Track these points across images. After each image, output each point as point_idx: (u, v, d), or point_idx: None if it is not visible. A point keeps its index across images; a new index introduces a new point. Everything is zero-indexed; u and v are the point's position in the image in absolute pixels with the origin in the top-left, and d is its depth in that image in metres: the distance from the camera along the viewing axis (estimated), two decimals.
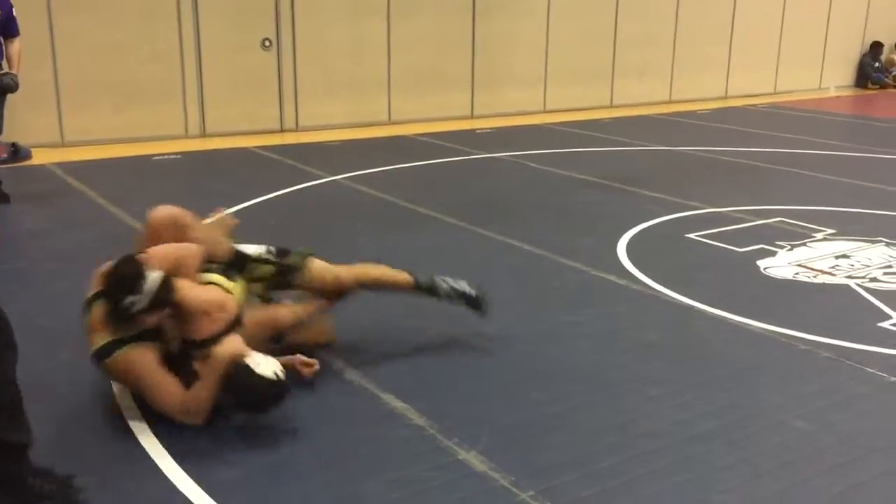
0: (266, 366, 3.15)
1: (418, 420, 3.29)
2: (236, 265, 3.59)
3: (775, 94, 15.05)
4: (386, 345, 4.03)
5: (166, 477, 2.89)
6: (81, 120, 9.09)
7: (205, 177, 7.83)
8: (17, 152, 8.02)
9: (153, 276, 3.05)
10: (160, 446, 3.07)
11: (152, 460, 2.99)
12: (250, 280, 3.61)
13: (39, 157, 8.22)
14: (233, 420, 3.25)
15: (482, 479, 2.90)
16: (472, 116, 11.77)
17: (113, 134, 9.24)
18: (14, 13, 6.59)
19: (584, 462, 3.02)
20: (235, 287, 3.48)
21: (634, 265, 5.23)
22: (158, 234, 3.42)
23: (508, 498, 2.79)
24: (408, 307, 4.49)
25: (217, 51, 9.78)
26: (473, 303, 3.99)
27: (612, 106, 13.06)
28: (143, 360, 3.12)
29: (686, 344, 4.11)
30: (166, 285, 3.08)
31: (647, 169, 8.34)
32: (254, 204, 6.63)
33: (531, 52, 12.18)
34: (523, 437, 3.20)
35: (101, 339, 3.14)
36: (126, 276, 3.04)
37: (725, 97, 14.37)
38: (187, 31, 9.61)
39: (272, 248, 3.74)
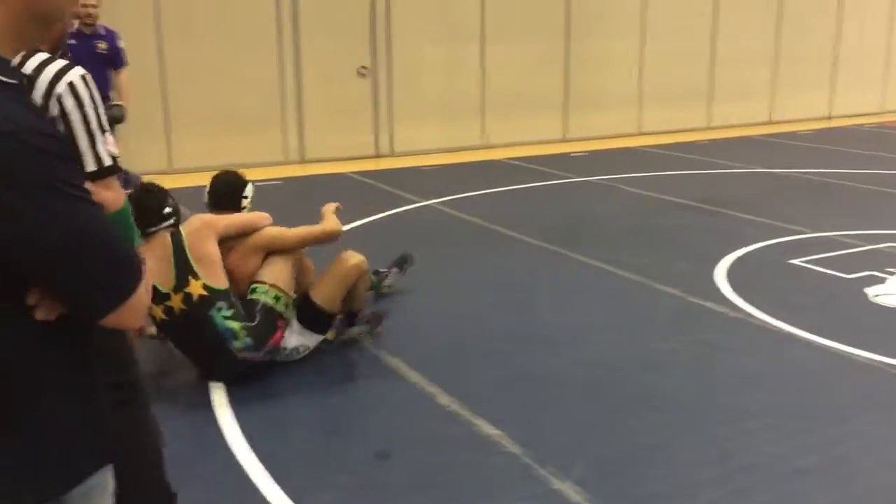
0: None
1: (512, 447, 3.29)
2: None
3: (883, 112, 14.46)
4: (479, 370, 4.05)
5: (266, 499, 2.96)
6: (188, 147, 9.48)
7: (304, 202, 8.01)
8: (127, 181, 8.42)
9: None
10: (261, 468, 3.16)
11: (253, 483, 3.08)
12: None
13: None
14: (330, 442, 3.32)
15: None
16: (565, 140, 11.73)
17: (218, 160, 9.51)
18: (120, 45, 6.87)
19: (681, 495, 2.95)
20: None
21: (734, 291, 5.10)
22: None
23: None
24: (503, 331, 4.51)
25: (316, 78, 10.08)
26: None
27: (710, 127, 12.81)
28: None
29: (788, 374, 3.98)
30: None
31: (748, 192, 8.13)
32: (350, 229, 6.75)
33: (626, 73, 12.08)
34: (619, 467, 3.15)
35: None
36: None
37: (829, 117, 13.91)
38: (288, 59, 9.93)
39: None
